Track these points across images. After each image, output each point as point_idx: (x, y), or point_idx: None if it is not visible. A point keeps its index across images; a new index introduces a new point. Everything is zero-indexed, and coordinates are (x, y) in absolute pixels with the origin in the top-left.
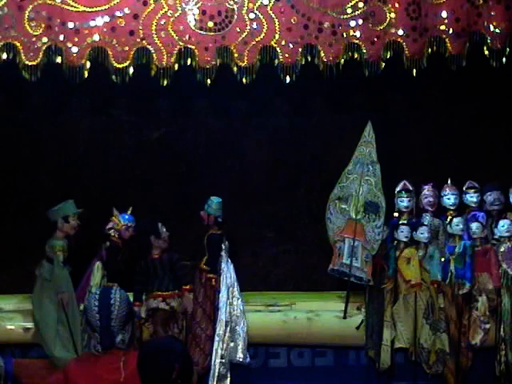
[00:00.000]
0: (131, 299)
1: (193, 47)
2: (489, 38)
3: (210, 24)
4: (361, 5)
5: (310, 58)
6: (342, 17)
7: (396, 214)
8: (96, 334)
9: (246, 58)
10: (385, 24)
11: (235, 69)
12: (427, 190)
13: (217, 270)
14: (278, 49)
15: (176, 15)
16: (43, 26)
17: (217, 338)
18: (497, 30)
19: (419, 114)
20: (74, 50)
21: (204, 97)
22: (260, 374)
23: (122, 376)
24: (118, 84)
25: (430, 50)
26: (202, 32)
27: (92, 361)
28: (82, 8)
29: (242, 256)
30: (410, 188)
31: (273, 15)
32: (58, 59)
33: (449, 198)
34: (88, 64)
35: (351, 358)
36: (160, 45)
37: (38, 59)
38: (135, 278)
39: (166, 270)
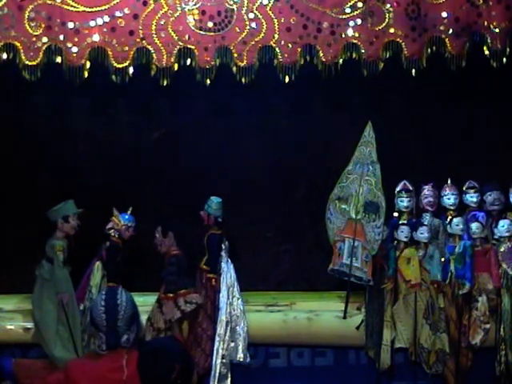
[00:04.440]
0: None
1: (192, 47)
2: (489, 38)
3: (210, 24)
4: (360, 5)
5: (308, 58)
6: (340, 17)
7: (396, 214)
8: (101, 334)
9: (245, 57)
10: (384, 24)
11: (235, 69)
12: (427, 190)
13: (217, 269)
14: (277, 49)
15: (176, 15)
16: (43, 26)
17: (217, 338)
18: (497, 30)
19: (419, 114)
20: (74, 50)
21: (204, 97)
22: (260, 373)
23: (125, 374)
24: (118, 84)
25: (429, 50)
26: (201, 32)
27: (94, 360)
28: (81, 8)
29: (242, 256)
30: (410, 188)
31: (272, 15)
32: (58, 59)
33: (449, 198)
34: (88, 64)
35: (351, 358)
36: (160, 45)
37: (38, 59)
38: (170, 270)
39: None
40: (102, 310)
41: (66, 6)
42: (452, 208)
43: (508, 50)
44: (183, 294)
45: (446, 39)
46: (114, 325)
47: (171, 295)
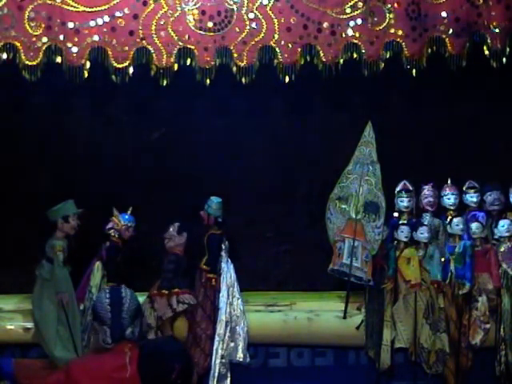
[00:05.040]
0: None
1: (192, 47)
2: (489, 37)
3: (210, 24)
4: (360, 5)
5: (309, 58)
6: (341, 17)
7: (396, 214)
8: (105, 328)
9: (245, 57)
10: (384, 24)
11: (234, 69)
12: (427, 190)
13: (217, 270)
14: (277, 49)
15: (176, 15)
16: (43, 26)
17: (217, 338)
18: (497, 30)
19: (419, 114)
20: (74, 50)
21: (204, 97)
22: (260, 373)
23: (128, 373)
24: (118, 84)
25: (429, 50)
26: (201, 32)
27: (96, 359)
28: (81, 8)
29: (242, 256)
30: (410, 188)
31: (272, 15)
32: (58, 59)
33: (449, 198)
34: (88, 64)
35: (351, 358)
36: (160, 45)
37: (38, 59)
38: (169, 268)
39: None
40: (106, 303)
41: (66, 6)
42: (452, 208)
43: (508, 49)
44: (176, 293)
45: (446, 39)
46: (118, 317)
47: (165, 292)
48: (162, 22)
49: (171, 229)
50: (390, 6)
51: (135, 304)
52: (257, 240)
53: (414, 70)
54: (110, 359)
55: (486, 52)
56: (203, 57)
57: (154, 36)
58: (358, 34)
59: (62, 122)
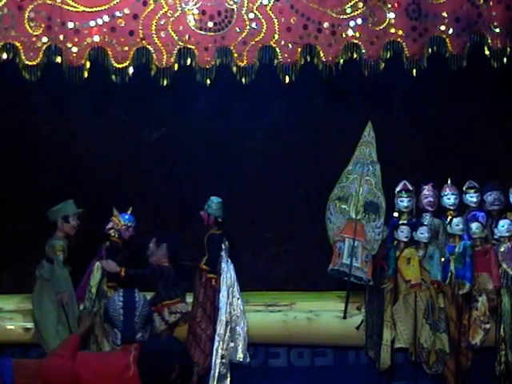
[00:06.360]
0: None
1: (192, 47)
2: (489, 37)
3: (210, 24)
4: (360, 5)
5: (309, 58)
6: (341, 17)
7: (396, 214)
8: (115, 330)
9: (245, 57)
10: (384, 24)
11: (235, 69)
12: (427, 190)
13: (217, 270)
14: (277, 49)
15: (176, 15)
16: (43, 26)
17: (217, 338)
18: (497, 30)
19: (419, 114)
20: (74, 50)
21: (204, 97)
22: (260, 374)
23: (131, 371)
24: (118, 84)
25: (430, 50)
26: (201, 32)
27: (104, 357)
28: (81, 8)
29: (242, 256)
30: (410, 188)
31: (272, 15)
32: (58, 59)
33: (449, 198)
34: (88, 64)
35: (351, 358)
36: (160, 45)
37: (38, 59)
38: (158, 284)
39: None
40: (119, 306)
41: (66, 6)
42: (452, 208)
43: (508, 49)
44: (167, 304)
45: (447, 39)
46: (130, 321)
47: (158, 305)
48: (162, 22)
49: (150, 245)
50: (390, 5)
51: (147, 309)
52: (257, 240)
53: (414, 70)
54: (118, 358)
55: (487, 52)
56: (203, 57)
57: (154, 36)
58: (358, 34)
59: (62, 122)
